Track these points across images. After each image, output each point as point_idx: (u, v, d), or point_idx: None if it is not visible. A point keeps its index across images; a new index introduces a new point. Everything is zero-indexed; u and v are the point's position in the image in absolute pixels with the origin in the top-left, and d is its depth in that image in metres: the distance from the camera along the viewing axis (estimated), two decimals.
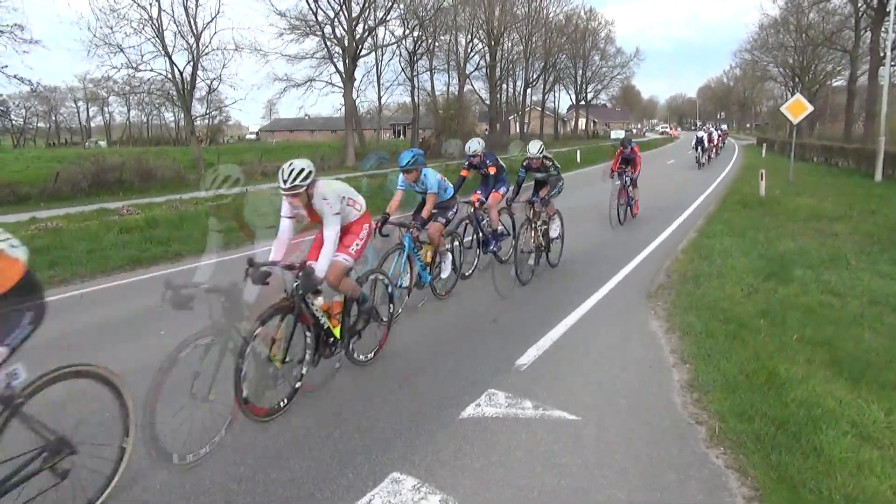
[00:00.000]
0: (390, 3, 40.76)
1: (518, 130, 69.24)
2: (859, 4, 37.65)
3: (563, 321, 6.21)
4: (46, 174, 25.35)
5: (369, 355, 5.20)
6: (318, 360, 4.66)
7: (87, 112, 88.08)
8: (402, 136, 76.41)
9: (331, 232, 4.50)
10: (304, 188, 4.36)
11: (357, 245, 4.94)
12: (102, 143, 77.41)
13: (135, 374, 5.10)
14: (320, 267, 4.38)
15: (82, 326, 6.46)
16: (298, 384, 4.43)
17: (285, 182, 4.30)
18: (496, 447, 3.75)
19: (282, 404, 4.25)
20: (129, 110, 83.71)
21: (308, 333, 4.50)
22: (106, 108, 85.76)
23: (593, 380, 4.77)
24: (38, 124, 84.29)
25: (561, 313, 6.45)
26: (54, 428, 3.13)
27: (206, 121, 57.24)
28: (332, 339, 4.75)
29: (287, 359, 4.29)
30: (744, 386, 4.39)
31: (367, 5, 39.21)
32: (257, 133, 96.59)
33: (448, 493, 3.28)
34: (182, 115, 42.58)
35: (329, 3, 38.82)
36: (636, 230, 11.73)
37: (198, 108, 37.83)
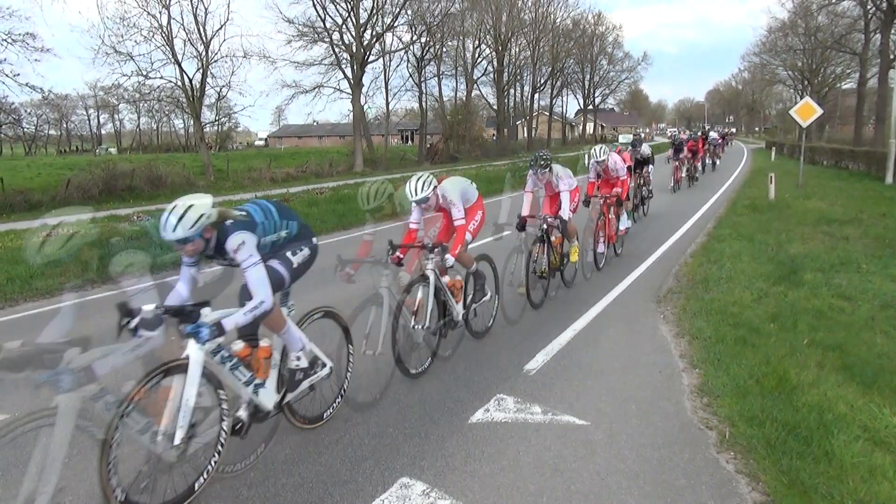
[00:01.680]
0: (398, 10, 40.91)
1: (526, 135, 69.24)
2: (868, 7, 37.46)
3: (571, 326, 6.20)
4: (58, 181, 25.54)
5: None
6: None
7: (98, 119, 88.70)
8: (410, 142, 76.56)
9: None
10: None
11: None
12: (113, 150, 77.96)
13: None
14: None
15: (94, 331, 6.49)
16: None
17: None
18: (505, 452, 3.75)
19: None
20: (139, 117, 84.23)
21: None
22: (116, 116, 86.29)
23: (602, 385, 4.76)
24: (50, 132, 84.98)
25: (569, 318, 6.45)
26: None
27: (216, 127, 57.61)
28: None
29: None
30: (754, 390, 4.37)
31: (374, 12, 39.37)
32: (266, 139, 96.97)
33: (457, 498, 3.28)
34: (192, 122, 42.75)
35: (337, 9, 39.04)
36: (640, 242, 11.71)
37: (207, 115, 38.08)
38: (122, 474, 2.95)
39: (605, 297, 7.24)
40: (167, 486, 3.20)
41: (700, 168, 23.64)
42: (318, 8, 38.34)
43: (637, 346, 5.63)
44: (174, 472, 3.21)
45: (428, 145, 51.58)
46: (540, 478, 3.46)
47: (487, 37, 55.50)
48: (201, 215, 3.28)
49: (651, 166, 13.92)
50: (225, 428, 3.45)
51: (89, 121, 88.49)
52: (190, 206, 3.27)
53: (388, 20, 41.14)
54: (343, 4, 38.74)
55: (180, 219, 3.22)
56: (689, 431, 3.98)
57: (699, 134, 30.32)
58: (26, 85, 25.88)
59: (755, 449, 3.62)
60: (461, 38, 52.21)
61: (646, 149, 13.75)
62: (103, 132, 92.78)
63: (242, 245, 3.42)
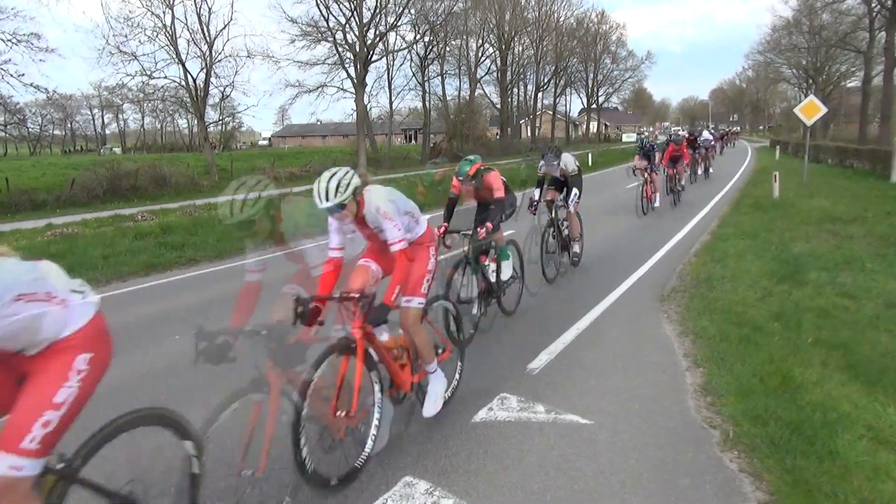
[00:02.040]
0: (401, 9, 40.90)
1: (529, 135, 69.18)
2: (873, 5, 37.35)
3: (574, 325, 6.20)
4: (62, 181, 25.64)
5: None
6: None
7: (102, 119, 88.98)
8: (413, 141, 76.57)
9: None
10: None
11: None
12: (117, 150, 78.21)
13: (147, 378, 5.16)
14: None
15: None
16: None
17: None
18: (509, 451, 3.75)
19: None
20: (143, 117, 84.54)
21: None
22: (120, 116, 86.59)
23: (606, 384, 4.76)
24: (54, 132, 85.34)
25: (572, 317, 6.44)
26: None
27: (220, 127, 57.66)
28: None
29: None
30: (758, 389, 4.36)
31: (378, 11, 39.37)
32: (269, 139, 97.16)
33: (461, 497, 3.28)
34: (195, 122, 42.88)
35: (340, 9, 39.02)
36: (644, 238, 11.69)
37: (211, 115, 38.14)
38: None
39: (608, 297, 7.24)
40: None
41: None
42: (322, 7, 38.35)
43: (640, 346, 5.63)
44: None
45: (431, 144, 51.60)
46: (543, 477, 3.46)
47: (491, 36, 55.51)
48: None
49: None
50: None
51: (93, 121, 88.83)
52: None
53: (391, 19, 41.16)
54: (346, 4, 38.75)
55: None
56: (692, 430, 3.97)
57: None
58: (31, 85, 25.96)
59: (759, 448, 3.61)
60: (464, 37, 52.26)
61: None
62: (107, 132, 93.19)
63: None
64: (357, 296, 3.46)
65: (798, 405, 4.05)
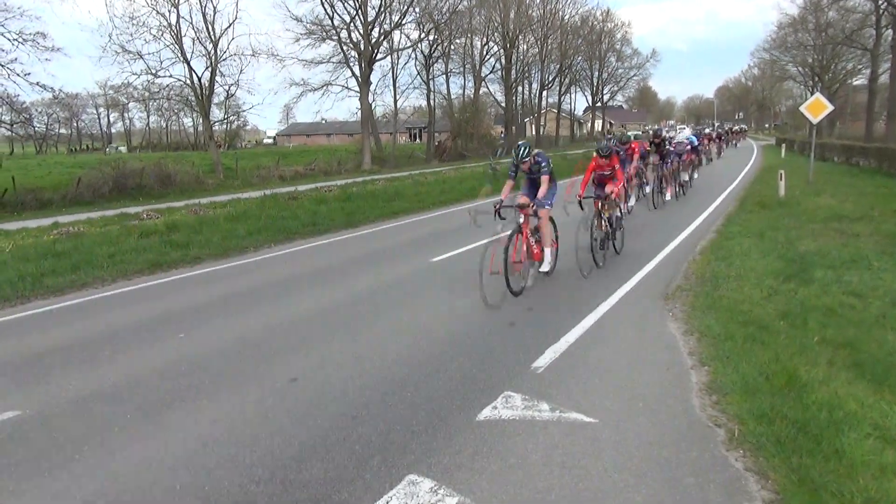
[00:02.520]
0: (406, 7, 40.96)
1: (534, 133, 69.12)
2: (880, 2, 37.19)
3: (580, 323, 6.18)
4: (68, 180, 25.74)
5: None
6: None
7: (108, 118, 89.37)
8: (418, 140, 76.59)
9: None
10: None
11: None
12: (123, 149, 78.54)
13: (152, 377, 5.18)
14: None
15: (104, 328, 6.55)
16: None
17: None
18: (513, 450, 3.74)
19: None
20: (148, 116, 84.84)
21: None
22: (126, 114, 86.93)
23: (611, 382, 4.75)
24: (60, 130, 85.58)
25: (578, 315, 6.43)
26: None
27: (225, 126, 57.93)
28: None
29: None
30: (764, 388, 4.35)
31: (382, 9, 39.42)
32: (274, 137, 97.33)
33: (465, 495, 3.28)
34: (201, 121, 42.98)
35: (345, 7, 39.15)
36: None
37: (216, 114, 38.36)
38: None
39: (613, 295, 7.22)
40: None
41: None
42: (326, 6, 38.50)
43: (645, 344, 5.61)
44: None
45: (436, 143, 51.59)
46: (548, 475, 3.45)
47: (495, 34, 55.48)
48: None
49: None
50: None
51: (99, 120, 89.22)
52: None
53: (395, 18, 41.26)
54: (351, 2, 38.87)
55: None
56: (697, 429, 3.96)
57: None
58: (37, 84, 26.12)
59: (764, 447, 3.60)
60: (469, 35, 52.25)
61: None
62: (113, 131, 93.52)
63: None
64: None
65: (804, 404, 4.03)
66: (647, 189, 15.49)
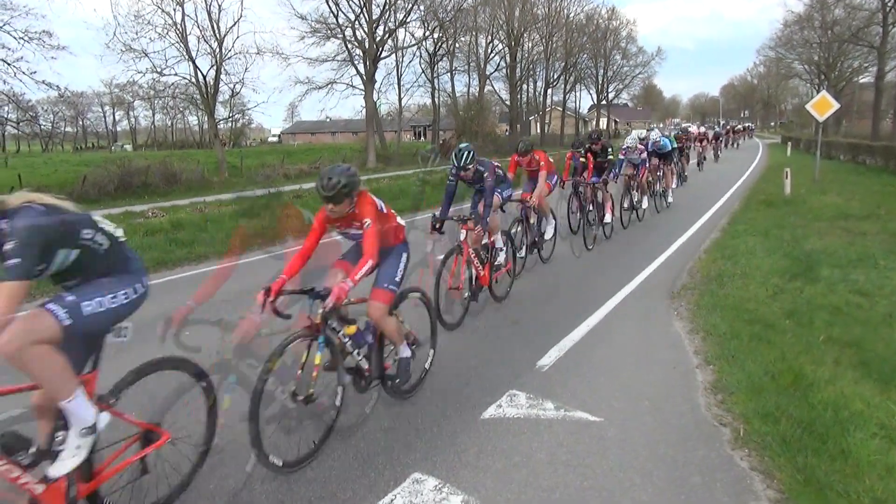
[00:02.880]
0: (410, 5, 40.87)
1: (539, 131, 68.99)
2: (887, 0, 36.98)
3: (584, 322, 6.17)
4: (74, 178, 25.79)
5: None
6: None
7: (114, 116, 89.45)
8: (422, 138, 76.53)
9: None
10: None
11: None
12: (128, 147, 78.74)
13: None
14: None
15: None
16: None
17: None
18: (518, 448, 3.74)
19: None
20: (153, 114, 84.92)
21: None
22: (131, 113, 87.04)
23: (616, 381, 4.74)
24: (66, 129, 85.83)
25: (583, 314, 6.42)
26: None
27: (230, 124, 57.88)
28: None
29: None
30: (769, 387, 4.33)
31: (387, 7, 39.36)
32: (279, 136, 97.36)
33: (469, 493, 3.28)
34: (206, 119, 43.05)
35: (350, 5, 39.06)
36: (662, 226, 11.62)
37: (221, 112, 38.20)
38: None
39: (618, 293, 7.21)
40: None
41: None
42: (331, 4, 38.40)
43: (650, 343, 5.60)
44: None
45: (441, 141, 51.54)
46: (552, 474, 3.45)
47: (500, 32, 55.33)
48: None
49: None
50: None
51: (105, 118, 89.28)
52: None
53: (400, 16, 41.18)
54: (355, 0, 38.78)
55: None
56: (703, 428, 3.95)
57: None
58: (43, 82, 26.14)
59: (770, 446, 3.59)
60: (474, 33, 52.13)
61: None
62: (119, 129, 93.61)
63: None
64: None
65: (810, 403, 4.02)
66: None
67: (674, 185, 15.31)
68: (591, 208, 10.19)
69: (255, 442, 3.35)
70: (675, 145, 15.76)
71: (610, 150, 10.87)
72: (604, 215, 10.53)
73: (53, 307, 2.70)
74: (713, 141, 31.31)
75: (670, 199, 14.47)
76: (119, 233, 3.15)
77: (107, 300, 2.97)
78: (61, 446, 2.78)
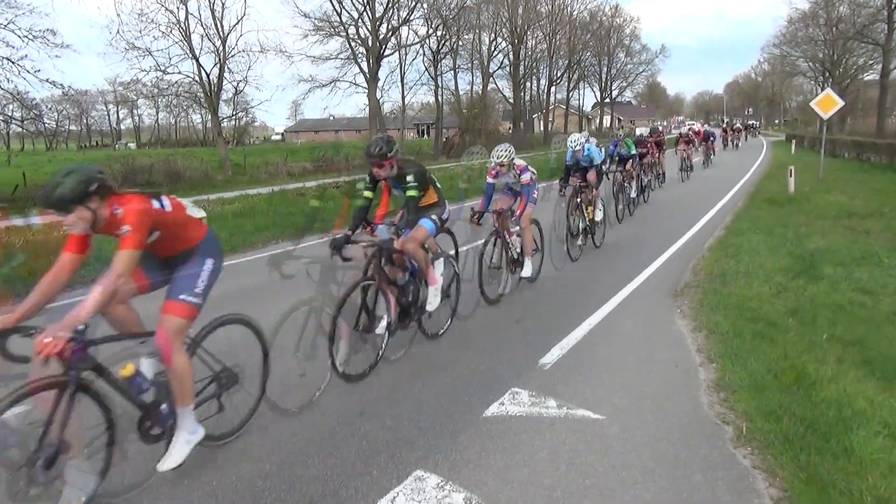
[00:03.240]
0: (413, 3, 40.90)
1: (542, 129, 68.95)
2: None
3: (587, 320, 6.17)
4: None
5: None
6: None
7: (118, 114, 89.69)
8: (426, 136, 76.54)
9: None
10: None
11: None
12: (132, 145, 78.90)
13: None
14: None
15: None
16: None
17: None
18: (520, 446, 3.74)
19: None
20: (157, 112, 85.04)
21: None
22: (135, 111, 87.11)
23: (618, 379, 4.73)
24: (70, 127, 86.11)
25: (585, 312, 6.41)
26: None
27: (233, 122, 58.00)
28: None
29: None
30: (772, 385, 4.33)
31: (390, 5, 39.40)
32: (282, 134, 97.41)
33: (471, 491, 3.28)
34: (209, 117, 43.07)
35: (353, 3, 39.07)
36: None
37: (224, 110, 38.30)
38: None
39: (621, 292, 7.20)
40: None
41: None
42: (334, 2, 38.46)
43: (653, 341, 5.60)
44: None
45: (444, 139, 51.52)
46: (555, 472, 3.45)
47: (503, 30, 55.34)
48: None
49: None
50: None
51: (108, 116, 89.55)
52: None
53: (403, 14, 41.21)
54: None
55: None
56: (705, 427, 3.95)
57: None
58: (47, 81, 26.12)
59: (773, 444, 3.58)
60: (477, 31, 52.13)
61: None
62: (122, 127, 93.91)
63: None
64: None
65: (813, 401, 4.01)
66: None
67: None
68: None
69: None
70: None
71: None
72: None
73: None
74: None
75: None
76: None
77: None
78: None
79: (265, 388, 4.12)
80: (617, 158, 13.53)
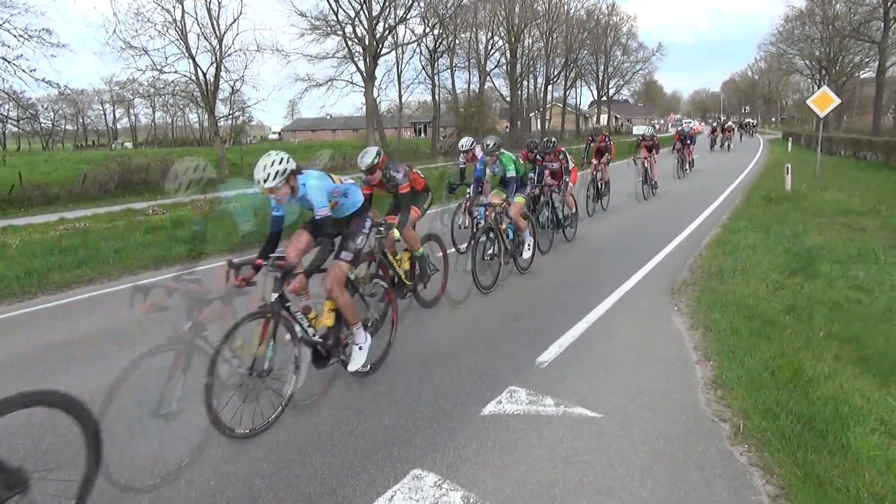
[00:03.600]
0: (410, 2, 40.90)
1: (539, 127, 68.93)
2: None
3: (584, 318, 6.17)
4: (74, 176, 25.82)
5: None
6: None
7: (114, 114, 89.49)
8: (422, 135, 76.53)
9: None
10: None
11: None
12: (128, 145, 78.86)
13: (160, 371, 5.16)
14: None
15: (110, 324, 6.57)
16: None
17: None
18: (517, 444, 3.75)
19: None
20: (154, 112, 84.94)
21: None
22: (132, 110, 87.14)
23: (615, 377, 4.74)
24: (66, 126, 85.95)
25: (583, 310, 6.42)
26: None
27: (230, 121, 57.78)
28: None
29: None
30: (769, 383, 4.33)
31: (387, 4, 39.37)
32: (280, 133, 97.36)
33: (469, 489, 3.28)
34: (206, 117, 43.05)
35: (350, 2, 39.06)
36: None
37: (221, 109, 38.27)
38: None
39: (618, 289, 7.21)
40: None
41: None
42: (331, 1, 38.41)
43: (650, 339, 5.60)
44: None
45: (441, 138, 51.50)
46: (552, 470, 3.45)
47: (500, 28, 55.26)
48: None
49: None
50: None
51: (105, 116, 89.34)
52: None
53: (400, 12, 41.20)
54: None
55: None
56: (702, 424, 3.95)
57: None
58: (43, 80, 26.11)
59: (770, 442, 3.59)
60: (474, 29, 52.07)
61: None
62: (119, 127, 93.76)
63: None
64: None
65: (810, 399, 4.02)
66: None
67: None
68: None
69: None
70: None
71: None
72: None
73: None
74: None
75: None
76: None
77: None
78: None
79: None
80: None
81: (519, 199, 8.05)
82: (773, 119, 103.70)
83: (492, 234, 7.45)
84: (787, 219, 11.18)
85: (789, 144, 40.42)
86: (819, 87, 28.71)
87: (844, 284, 6.79)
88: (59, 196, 22.35)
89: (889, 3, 37.76)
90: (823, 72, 54.85)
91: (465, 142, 10.42)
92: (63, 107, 77.89)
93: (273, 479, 3.45)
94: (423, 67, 48.72)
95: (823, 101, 18.43)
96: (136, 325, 6.48)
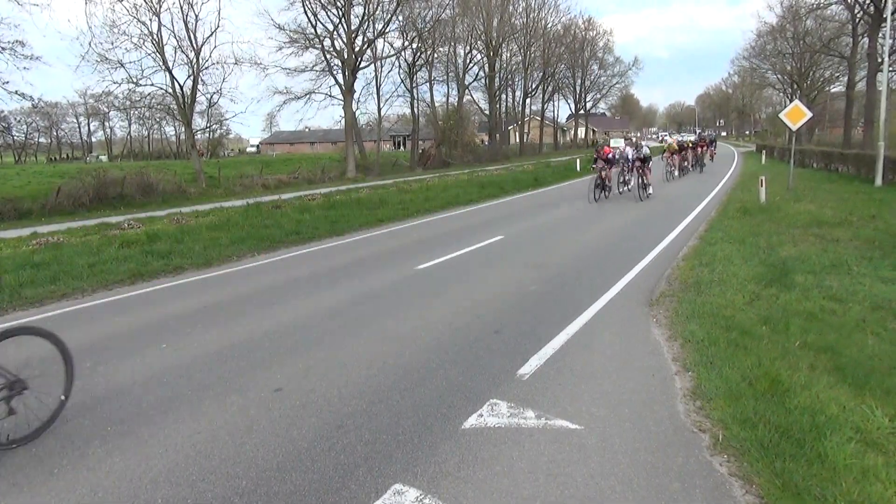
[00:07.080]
0: (389, 16, 41.03)
1: (518, 140, 69.41)
2: (856, 10, 37.83)
3: (564, 330, 6.19)
4: (48, 189, 25.43)
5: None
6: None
7: (89, 127, 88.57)
8: (402, 147, 76.64)
9: None
10: None
11: None
12: (104, 158, 77.99)
13: (133, 388, 5.11)
14: None
15: (84, 340, 6.44)
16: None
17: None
18: (499, 458, 3.73)
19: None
20: (129, 125, 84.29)
21: None
22: (107, 123, 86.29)
23: (596, 389, 4.75)
24: (40, 139, 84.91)
25: (562, 322, 6.44)
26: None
27: (207, 134, 57.61)
28: None
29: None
30: (747, 393, 4.38)
31: (366, 18, 39.44)
32: (258, 146, 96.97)
33: None
34: (183, 129, 42.75)
35: (328, 16, 39.13)
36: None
37: (198, 122, 38.12)
38: None
39: (597, 302, 7.25)
40: None
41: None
42: (310, 14, 38.46)
43: (630, 350, 5.63)
44: None
45: (420, 151, 51.61)
46: (533, 482, 3.45)
47: (479, 42, 55.74)
48: None
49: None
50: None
51: (79, 128, 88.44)
52: None
53: (379, 26, 41.31)
54: (334, 11, 38.85)
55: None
56: (682, 435, 3.97)
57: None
58: (16, 93, 25.77)
59: (748, 451, 3.62)
60: (452, 43, 52.46)
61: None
62: (94, 140, 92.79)
63: None
64: None
65: (786, 408, 4.07)
66: None
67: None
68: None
69: None
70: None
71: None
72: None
73: None
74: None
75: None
76: None
77: None
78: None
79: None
80: None
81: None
82: (747, 132, 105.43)
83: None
84: (762, 230, 11.35)
85: (763, 157, 41.10)
86: (791, 101, 29.24)
87: (819, 295, 6.89)
88: (31, 210, 22.02)
89: (857, 20, 38.67)
90: (795, 86, 55.96)
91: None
92: (37, 119, 77.03)
93: (252, 497, 3.40)
94: (402, 80, 48.97)
95: (795, 114, 18.79)
96: (110, 342, 6.37)
